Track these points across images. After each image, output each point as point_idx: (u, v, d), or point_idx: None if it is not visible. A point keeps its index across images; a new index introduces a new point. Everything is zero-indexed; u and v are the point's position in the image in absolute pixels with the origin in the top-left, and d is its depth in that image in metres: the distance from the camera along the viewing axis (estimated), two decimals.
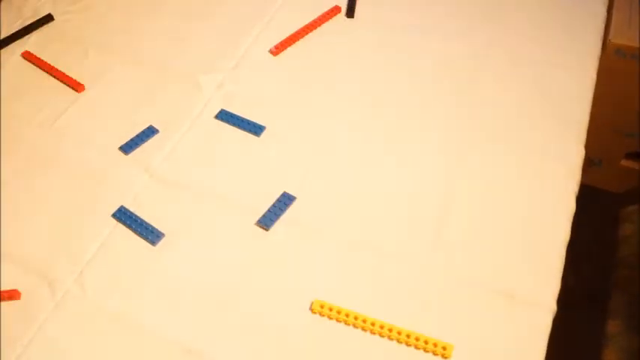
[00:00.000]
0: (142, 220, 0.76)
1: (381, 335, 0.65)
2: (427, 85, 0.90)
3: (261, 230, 0.75)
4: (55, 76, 0.93)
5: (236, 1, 1.05)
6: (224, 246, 0.74)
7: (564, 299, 0.70)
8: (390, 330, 0.64)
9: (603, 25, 0.99)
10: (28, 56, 0.96)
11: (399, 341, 0.64)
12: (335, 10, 1.00)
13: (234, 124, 0.86)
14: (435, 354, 0.63)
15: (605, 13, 1.01)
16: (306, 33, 0.97)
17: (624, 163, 1.31)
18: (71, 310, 0.69)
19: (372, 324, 0.65)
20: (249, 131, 0.85)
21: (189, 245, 0.74)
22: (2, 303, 0.70)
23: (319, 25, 0.98)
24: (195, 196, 0.79)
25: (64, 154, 0.84)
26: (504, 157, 0.80)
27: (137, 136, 0.85)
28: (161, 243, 0.75)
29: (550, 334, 0.65)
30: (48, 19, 1.01)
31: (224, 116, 0.87)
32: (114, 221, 0.77)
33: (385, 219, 0.75)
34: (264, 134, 0.85)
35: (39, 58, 0.96)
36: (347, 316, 0.66)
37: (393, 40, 0.97)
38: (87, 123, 0.88)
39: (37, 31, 1.00)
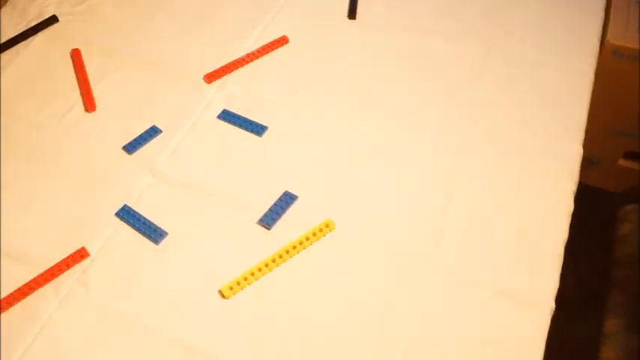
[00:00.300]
0: (145, 219, 0.76)
1: (289, 257, 0.72)
2: (427, 85, 0.91)
3: (262, 229, 0.76)
4: (79, 85, 0.93)
5: (238, 2, 1.05)
6: (226, 245, 0.75)
7: (563, 298, 0.70)
8: (287, 251, 0.72)
9: (601, 26, 1.00)
10: (75, 54, 0.96)
11: (299, 251, 0.72)
12: (282, 40, 0.97)
13: (236, 124, 0.87)
14: (325, 235, 0.74)
15: (603, 14, 1.01)
16: (250, 61, 0.95)
17: (622, 162, 1.31)
18: (74, 308, 0.70)
19: (275, 259, 0.71)
20: (252, 131, 0.86)
21: (192, 244, 0.75)
22: (3, 302, 0.70)
23: (265, 54, 0.95)
24: (198, 195, 0.79)
25: (67, 154, 0.84)
26: (503, 157, 0.81)
27: (140, 135, 0.86)
28: (164, 242, 0.75)
29: (548, 333, 0.66)
30: (52, 20, 1.02)
31: (226, 116, 0.88)
32: (117, 220, 0.77)
33: (386, 219, 0.76)
34: (266, 134, 0.86)
35: (81, 61, 0.96)
36: (260, 270, 0.71)
37: (393, 40, 0.97)
38: (90, 123, 0.88)
39: (41, 32, 1.01)
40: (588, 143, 0.85)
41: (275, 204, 0.77)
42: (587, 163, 1.33)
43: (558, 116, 0.85)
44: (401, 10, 1.02)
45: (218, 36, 1.00)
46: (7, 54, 0.98)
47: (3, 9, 1.05)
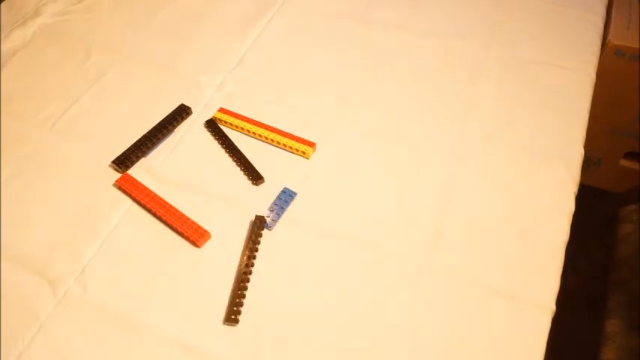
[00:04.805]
0: None
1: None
2: (426, 85, 0.91)
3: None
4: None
5: (237, 2, 1.05)
6: (224, 241, 0.74)
7: (564, 299, 0.70)
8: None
9: (603, 26, 1.00)
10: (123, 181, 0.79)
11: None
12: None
13: None
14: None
15: (605, 14, 1.01)
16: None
17: (623, 162, 1.31)
18: (72, 309, 0.69)
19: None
20: None
21: (189, 243, 0.75)
22: (2, 302, 0.70)
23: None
24: (197, 194, 0.79)
25: (65, 154, 0.84)
26: (504, 157, 0.81)
27: None
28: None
29: (549, 334, 0.65)
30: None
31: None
32: (115, 221, 0.77)
33: (385, 218, 0.76)
34: None
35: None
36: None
37: (393, 41, 0.97)
38: (88, 123, 0.88)
39: (38, 30, 1.00)
40: (589, 144, 0.84)
41: (274, 201, 0.77)
42: (589, 164, 1.33)
43: (559, 116, 0.85)
44: (400, 10, 1.02)
45: (217, 36, 1.00)
46: (7, 53, 0.97)
47: (2, 5, 1.05)
